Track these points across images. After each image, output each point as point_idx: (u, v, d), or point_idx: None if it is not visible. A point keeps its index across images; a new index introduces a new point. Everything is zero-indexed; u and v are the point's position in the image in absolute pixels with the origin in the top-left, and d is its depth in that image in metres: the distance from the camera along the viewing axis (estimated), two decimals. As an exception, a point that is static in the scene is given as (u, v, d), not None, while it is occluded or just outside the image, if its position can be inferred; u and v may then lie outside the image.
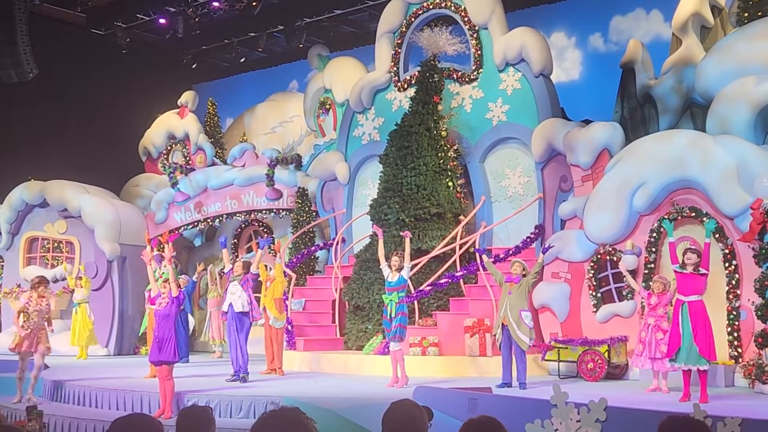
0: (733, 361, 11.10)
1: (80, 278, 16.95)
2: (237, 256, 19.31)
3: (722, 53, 12.54)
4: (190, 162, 20.40)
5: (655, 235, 11.99)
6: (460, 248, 13.77)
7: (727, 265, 11.33)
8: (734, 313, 11.20)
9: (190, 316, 16.43)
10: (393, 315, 11.16)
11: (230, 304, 11.97)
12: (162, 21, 21.10)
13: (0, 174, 19.55)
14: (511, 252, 13.63)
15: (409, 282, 13.26)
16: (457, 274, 13.41)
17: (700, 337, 9.58)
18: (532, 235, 13.81)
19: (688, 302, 9.75)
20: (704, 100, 12.95)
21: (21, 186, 18.69)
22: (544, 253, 11.61)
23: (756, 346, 10.53)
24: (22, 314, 11.75)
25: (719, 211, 11.36)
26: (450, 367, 12.51)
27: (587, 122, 13.86)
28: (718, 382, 10.82)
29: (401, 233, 12.26)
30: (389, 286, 11.30)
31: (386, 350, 12.81)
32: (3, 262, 19.17)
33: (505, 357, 10.98)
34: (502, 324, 10.91)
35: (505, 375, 10.90)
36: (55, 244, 18.73)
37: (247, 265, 12.33)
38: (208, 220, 18.93)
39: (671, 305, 10.44)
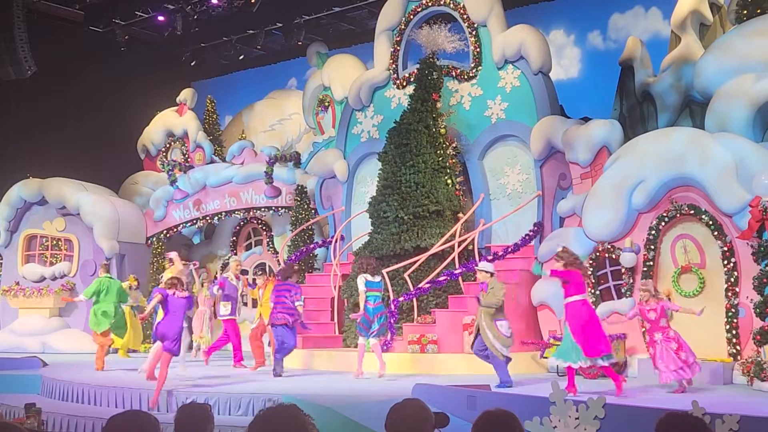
0: (732, 358, 11.10)
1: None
2: (236, 254, 19.33)
3: (721, 51, 12.54)
4: (188, 159, 20.38)
5: (653, 233, 11.99)
6: (459, 246, 13.77)
7: (725, 262, 11.33)
8: (733, 310, 11.21)
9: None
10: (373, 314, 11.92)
11: None
12: (160, 18, 21.08)
13: (-2, 172, 19.56)
14: (510, 249, 13.65)
15: (407, 280, 13.37)
16: (456, 271, 13.41)
17: (577, 337, 9.66)
18: (531, 233, 13.82)
19: (565, 304, 9.95)
20: (703, 97, 12.95)
21: (19, 183, 18.69)
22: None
23: (754, 343, 10.53)
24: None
25: (718, 209, 11.36)
26: (449, 364, 12.51)
27: (586, 120, 13.85)
28: (717, 380, 10.82)
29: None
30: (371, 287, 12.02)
31: (385, 347, 12.85)
32: (2, 259, 19.16)
33: (483, 359, 10.99)
34: (477, 331, 10.87)
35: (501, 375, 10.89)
36: (54, 242, 18.73)
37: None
38: (207, 218, 18.93)
39: (670, 313, 10.43)
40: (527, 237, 13.78)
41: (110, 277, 14.87)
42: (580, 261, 10.37)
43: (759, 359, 10.36)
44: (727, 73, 12.14)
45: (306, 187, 17.41)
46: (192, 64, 23.37)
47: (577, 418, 7.66)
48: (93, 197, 18.34)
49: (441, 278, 13.37)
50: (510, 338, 10.78)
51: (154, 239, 19.04)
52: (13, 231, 18.87)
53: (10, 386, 12.07)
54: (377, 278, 12.22)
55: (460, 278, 13.51)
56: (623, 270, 12.27)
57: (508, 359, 10.80)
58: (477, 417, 3.31)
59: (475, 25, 15.05)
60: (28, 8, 18.93)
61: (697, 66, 12.94)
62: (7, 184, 18.85)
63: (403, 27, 15.93)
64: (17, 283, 18.49)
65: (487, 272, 11.07)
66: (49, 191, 18.37)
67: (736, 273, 11.24)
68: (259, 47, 22.37)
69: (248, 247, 19.52)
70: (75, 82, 21.01)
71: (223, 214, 18.82)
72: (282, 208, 18.04)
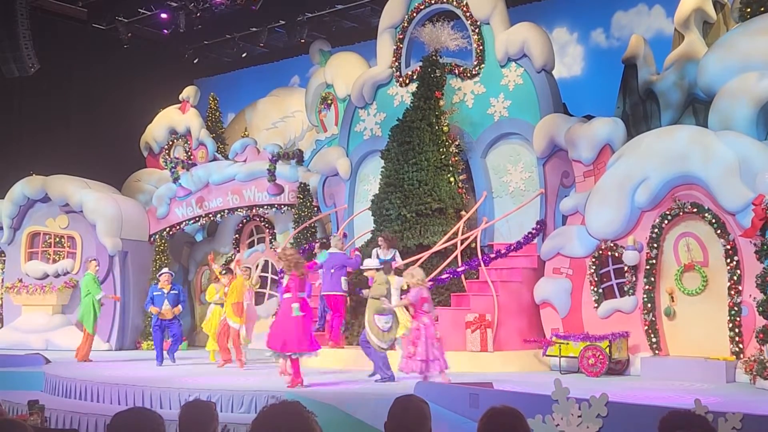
0: (735, 356, 11.10)
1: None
2: (239, 252, 19.33)
3: (724, 49, 12.52)
4: (191, 157, 20.37)
5: (656, 231, 11.99)
6: (462, 244, 13.77)
7: (728, 260, 11.33)
8: (735, 308, 11.20)
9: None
10: None
11: None
12: (163, 16, 21.08)
13: (1, 168, 19.57)
14: (512, 248, 13.65)
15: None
16: (459, 269, 13.41)
17: (285, 330, 10.50)
18: (534, 231, 13.81)
19: (282, 300, 10.85)
20: (706, 95, 12.94)
21: (22, 181, 18.68)
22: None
23: (757, 341, 10.52)
24: None
25: (721, 207, 11.36)
26: (451, 362, 12.46)
27: (589, 118, 13.84)
28: (719, 378, 10.82)
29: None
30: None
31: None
32: (5, 257, 19.18)
33: (365, 352, 11.35)
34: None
35: (376, 368, 11.18)
36: (57, 239, 18.74)
37: None
38: (210, 215, 18.93)
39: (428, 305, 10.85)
40: (530, 235, 13.78)
41: (87, 273, 15.29)
42: (302, 262, 11.16)
43: (762, 357, 10.35)
44: (731, 72, 12.12)
45: (309, 185, 17.40)
46: (195, 61, 23.36)
47: (579, 416, 7.66)
48: (96, 195, 18.34)
49: (443, 276, 13.37)
50: (387, 332, 10.98)
51: (157, 237, 19.04)
52: (17, 228, 18.88)
53: (13, 383, 12.09)
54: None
55: (462, 276, 13.51)
56: (626, 268, 12.27)
57: (385, 352, 11.08)
58: (483, 413, 3.32)
59: (478, 23, 15.04)
60: (31, 5, 18.95)
61: (701, 64, 12.92)
62: (11, 181, 18.84)
63: (405, 25, 15.92)
64: (20, 281, 18.51)
65: (371, 269, 11.61)
66: (53, 189, 18.37)
67: (739, 271, 11.23)
68: (261, 45, 22.37)
69: (251, 245, 19.51)
70: (78, 79, 21.03)
71: (226, 211, 18.81)
72: (285, 205, 18.04)
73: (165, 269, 15.33)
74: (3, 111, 20.78)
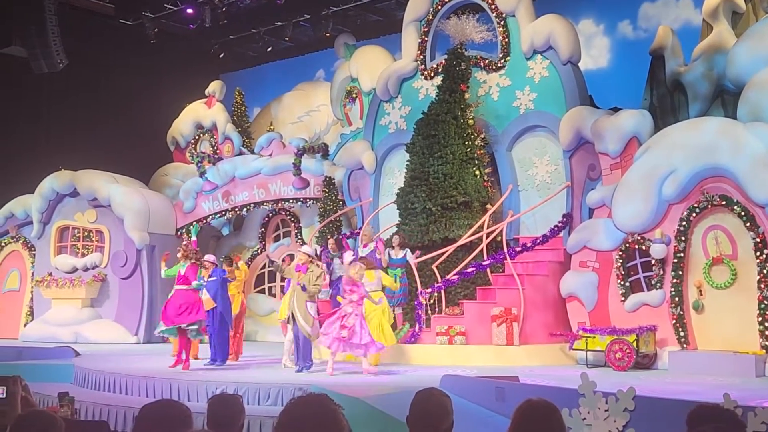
0: (764, 351, 10.98)
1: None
2: (265, 246, 19.42)
3: (754, 39, 12.37)
4: (217, 151, 20.49)
5: (684, 224, 11.87)
6: (487, 237, 13.73)
7: (758, 254, 11.21)
8: (765, 302, 11.08)
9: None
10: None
11: None
12: (189, 11, 21.20)
13: (31, 163, 19.80)
14: (538, 241, 13.59)
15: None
16: (484, 263, 13.38)
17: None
18: (560, 224, 13.75)
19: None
20: (735, 86, 12.79)
21: (51, 175, 18.91)
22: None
23: (787, 335, 10.41)
24: None
25: (750, 199, 11.23)
26: (477, 355, 12.50)
27: (616, 110, 13.74)
28: (749, 372, 10.71)
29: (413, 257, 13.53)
30: (394, 263, 13.55)
31: (413, 339, 12.86)
32: (34, 251, 19.43)
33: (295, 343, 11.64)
34: (292, 314, 11.43)
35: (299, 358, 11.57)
36: (86, 233, 18.94)
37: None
38: (236, 209, 19.03)
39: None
40: (556, 228, 13.71)
41: None
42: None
43: (792, 352, 10.25)
44: (761, 62, 11.99)
45: (334, 179, 17.44)
46: (221, 56, 23.47)
47: (606, 410, 7.62)
48: (124, 189, 18.52)
49: (469, 270, 13.34)
50: (314, 319, 11.44)
51: (184, 230, 19.19)
52: (46, 222, 19.12)
53: (43, 375, 12.22)
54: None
55: (488, 270, 13.48)
56: (653, 261, 12.17)
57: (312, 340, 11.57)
58: (519, 405, 3.32)
59: (504, 15, 14.97)
60: (59, 1, 19.13)
61: (730, 55, 12.78)
62: (40, 176, 19.08)
63: (430, 17, 15.88)
64: (50, 274, 18.74)
65: (306, 254, 11.71)
66: (81, 183, 18.57)
67: (768, 265, 11.11)
68: (287, 39, 22.41)
69: (277, 239, 19.60)
70: (105, 74, 21.19)
71: (252, 205, 18.91)
72: (310, 199, 18.09)
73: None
74: (32, 107, 21.02)
